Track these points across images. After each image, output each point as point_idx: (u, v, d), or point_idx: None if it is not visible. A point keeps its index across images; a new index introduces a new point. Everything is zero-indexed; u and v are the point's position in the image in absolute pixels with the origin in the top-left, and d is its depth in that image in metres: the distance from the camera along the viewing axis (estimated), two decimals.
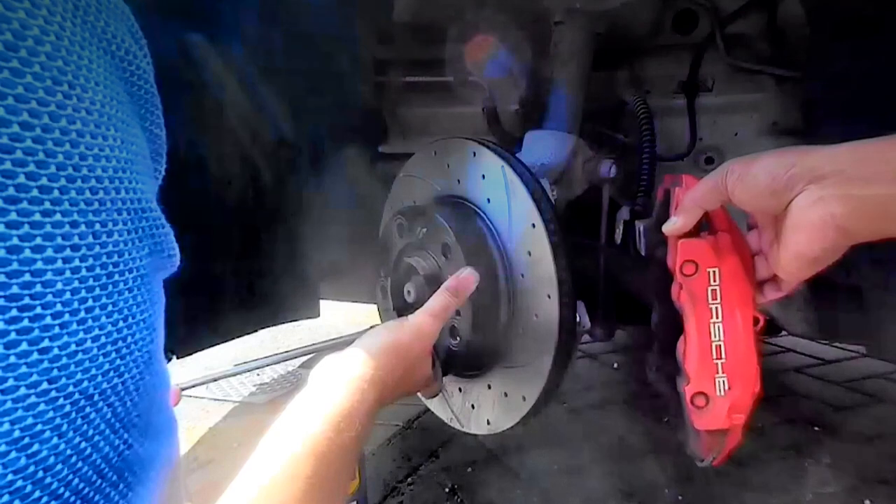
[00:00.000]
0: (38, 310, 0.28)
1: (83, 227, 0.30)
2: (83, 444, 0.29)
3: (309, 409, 0.52)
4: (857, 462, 1.47)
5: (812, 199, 0.50)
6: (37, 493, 0.27)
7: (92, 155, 0.30)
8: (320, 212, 1.32)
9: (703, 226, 0.62)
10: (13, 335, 0.27)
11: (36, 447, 0.27)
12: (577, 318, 0.78)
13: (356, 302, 1.64)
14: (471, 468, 1.51)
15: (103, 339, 0.30)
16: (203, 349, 1.21)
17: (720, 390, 0.61)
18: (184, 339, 1.14)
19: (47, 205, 0.28)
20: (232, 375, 2.20)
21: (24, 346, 0.27)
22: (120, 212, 0.32)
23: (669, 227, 0.63)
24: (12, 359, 0.27)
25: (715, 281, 0.61)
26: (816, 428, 1.68)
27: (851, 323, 1.08)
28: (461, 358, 0.83)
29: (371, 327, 0.70)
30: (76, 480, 0.29)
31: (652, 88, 1.24)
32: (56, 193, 0.29)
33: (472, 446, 1.59)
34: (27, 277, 0.27)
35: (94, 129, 0.31)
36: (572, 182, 1.04)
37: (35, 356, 0.27)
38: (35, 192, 0.28)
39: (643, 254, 0.72)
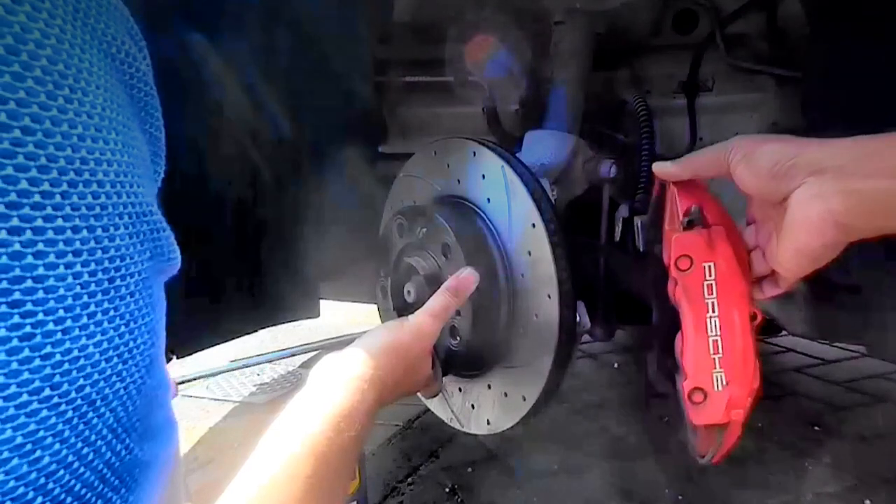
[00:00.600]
0: (41, 316, 0.27)
1: (85, 232, 0.30)
2: (86, 450, 0.29)
3: (309, 409, 0.52)
4: (857, 462, 1.47)
5: (811, 193, 0.50)
6: (39, 500, 0.27)
7: (93, 159, 0.30)
8: (320, 211, 1.32)
9: (698, 220, 0.62)
10: (15, 342, 0.27)
11: (38, 453, 0.27)
12: (577, 318, 0.78)
13: (356, 302, 1.64)
14: (471, 468, 1.51)
15: (105, 345, 0.30)
16: (203, 349, 1.21)
17: (718, 385, 0.61)
18: (184, 340, 1.14)
19: (49, 210, 0.28)
20: (228, 371, 2.20)
21: (27, 352, 0.27)
22: (121, 216, 0.32)
23: (658, 167, 0.62)
24: (14, 365, 0.26)
25: (710, 276, 0.60)
26: (816, 428, 1.68)
27: (851, 323, 1.08)
28: (461, 358, 0.83)
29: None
30: (78, 486, 0.29)
31: (652, 88, 1.24)
32: (58, 198, 0.28)
33: (472, 446, 1.59)
34: (29, 283, 0.27)
35: (95, 133, 0.31)
36: (572, 182, 1.04)
37: (37, 362, 0.27)
38: (37, 198, 0.28)
39: (641, 249, 0.71)
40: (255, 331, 1.35)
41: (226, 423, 1.82)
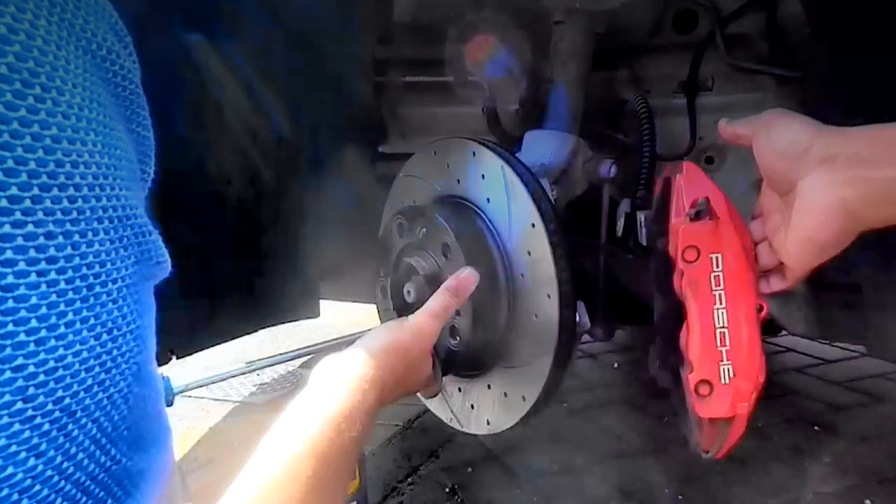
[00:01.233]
0: (10, 327, 0.26)
1: (60, 238, 0.28)
2: (66, 464, 0.28)
3: (309, 410, 0.52)
4: (857, 462, 1.47)
5: (822, 181, 0.50)
6: None
7: (69, 161, 0.29)
8: (320, 212, 1.32)
9: (705, 212, 0.61)
10: None
11: (10, 470, 0.26)
12: (577, 318, 0.78)
13: (356, 302, 1.64)
14: (471, 468, 1.51)
15: (85, 354, 0.29)
16: (203, 349, 1.21)
17: (724, 378, 0.60)
18: (183, 340, 1.14)
19: (18, 216, 0.27)
20: (232, 377, 2.20)
21: None
22: (101, 220, 0.31)
23: (723, 125, 0.63)
24: None
25: (717, 267, 0.60)
26: (816, 428, 1.68)
27: (851, 323, 1.08)
28: (461, 358, 0.83)
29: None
30: (58, 500, 0.28)
31: (652, 88, 1.24)
32: (28, 203, 0.27)
33: (472, 446, 1.59)
34: None
35: (71, 135, 0.29)
36: (572, 182, 1.04)
37: (8, 374, 0.26)
38: (4, 203, 0.26)
39: (644, 244, 0.71)
40: (255, 331, 1.35)
41: (226, 423, 1.82)
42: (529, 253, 0.79)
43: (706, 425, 0.63)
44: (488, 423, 0.89)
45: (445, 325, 0.73)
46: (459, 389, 0.94)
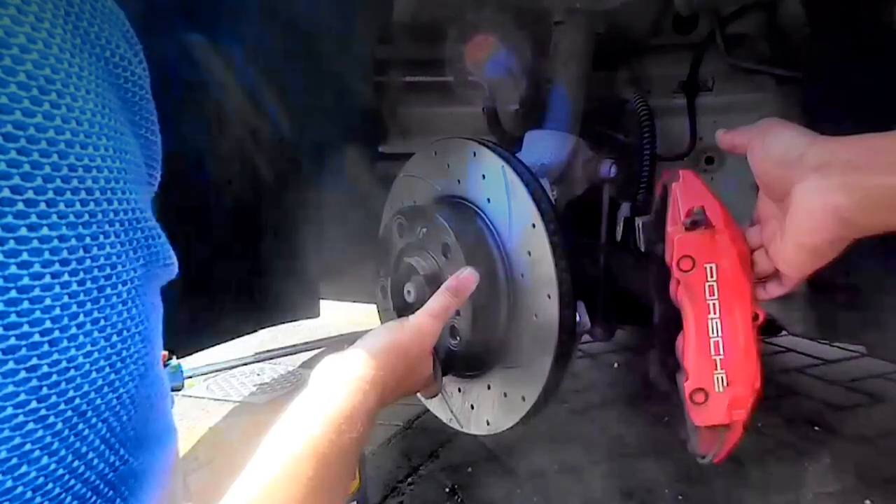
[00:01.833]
0: (26, 328, 0.27)
1: (73, 241, 0.29)
2: (76, 463, 0.29)
3: (310, 410, 0.52)
4: (857, 462, 1.47)
5: (816, 187, 0.50)
6: None
7: (82, 166, 0.30)
8: (320, 211, 1.32)
9: (700, 221, 0.62)
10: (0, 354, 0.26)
11: (25, 468, 0.26)
12: (577, 318, 0.78)
13: (356, 302, 1.64)
14: (471, 468, 1.51)
15: (96, 355, 0.30)
16: (203, 349, 1.21)
17: (719, 386, 0.61)
18: (184, 339, 1.14)
19: (34, 218, 0.27)
20: (229, 368, 2.21)
21: (11, 364, 0.26)
22: (112, 223, 0.31)
23: (721, 134, 0.63)
24: None
25: (712, 276, 0.61)
26: (816, 428, 1.68)
27: (851, 323, 1.08)
28: (461, 358, 0.83)
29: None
30: (69, 499, 0.28)
31: (652, 88, 1.24)
32: (43, 206, 0.28)
33: (472, 446, 1.59)
34: (13, 294, 0.27)
35: (84, 140, 0.30)
36: (572, 182, 1.04)
37: (23, 375, 0.27)
38: (21, 206, 0.27)
39: (643, 250, 0.72)
40: (255, 331, 1.35)
41: (226, 423, 1.82)
42: (529, 253, 0.79)
43: (703, 431, 0.64)
44: (488, 424, 0.89)
45: (445, 325, 0.73)
46: (459, 390, 0.94)
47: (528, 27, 1.11)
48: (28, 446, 0.27)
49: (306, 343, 2.44)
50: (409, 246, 0.89)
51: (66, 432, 0.28)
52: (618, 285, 1.00)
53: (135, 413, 0.32)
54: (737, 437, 0.64)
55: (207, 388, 2.09)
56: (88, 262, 0.30)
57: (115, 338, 0.31)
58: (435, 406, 0.99)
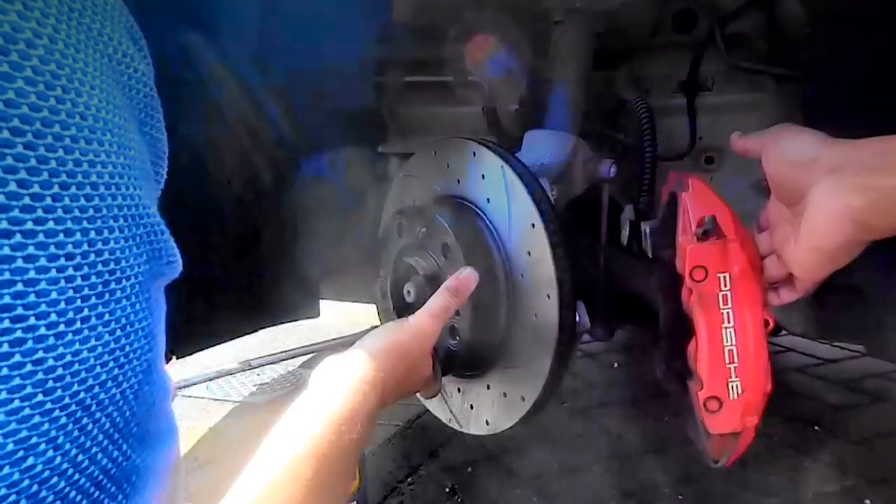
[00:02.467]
0: (32, 320, 0.27)
1: (78, 235, 0.29)
2: (81, 456, 0.29)
3: (310, 411, 0.52)
4: (857, 462, 1.47)
5: (830, 189, 0.50)
6: None
7: (87, 161, 0.30)
8: (320, 212, 1.32)
9: (712, 230, 0.62)
10: (6, 347, 0.26)
11: (31, 461, 0.26)
12: (577, 318, 0.78)
13: (356, 302, 1.64)
14: (471, 468, 1.51)
15: (100, 349, 0.30)
16: (203, 349, 1.21)
17: (733, 394, 0.61)
18: (183, 340, 1.14)
19: (40, 213, 0.28)
20: (230, 374, 2.20)
21: (18, 357, 0.26)
22: (116, 218, 0.32)
23: (735, 138, 0.63)
24: (5, 371, 0.26)
25: (725, 286, 0.61)
26: (816, 428, 1.68)
27: (851, 323, 1.08)
28: (461, 358, 0.83)
29: (372, 328, 0.70)
30: (73, 493, 0.28)
31: (652, 88, 1.24)
32: (49, 201, 0.28)
33: (472, 446, 1.59)
34: (20, 287, 0.27)
35: (88, 135, 0.30)
36: (572, 182, 1.04)
37: (29, 367, 0.27)
38: (27, 200, 0.27)
39: (650, 255, 0.72)
40: (255, 331, 1.35)
41: (226, 423, 1.82)
42: (529, 253, 0.79)
43: (716, 438, 0.64)
44: (487, 424, 0.89)
45: (445, 326, 0.73)
46: (459, 390, 0.94)
47: (527, 27, 1.11)
48: (34, 439, 0.27)
49: (304, 346, 2.44)
50: (409, 246, 0.89)
51: (71, 426, 0.28)
52: (618, 285, 1.00)
53: (137, 409, 0.32)
54: (748, 442, 0.64)
55: (207, 388, 2.09)
56: (93, 256, 0.30)
57: (119, 332, 0.31)
58: (435, 406, 0.99)
